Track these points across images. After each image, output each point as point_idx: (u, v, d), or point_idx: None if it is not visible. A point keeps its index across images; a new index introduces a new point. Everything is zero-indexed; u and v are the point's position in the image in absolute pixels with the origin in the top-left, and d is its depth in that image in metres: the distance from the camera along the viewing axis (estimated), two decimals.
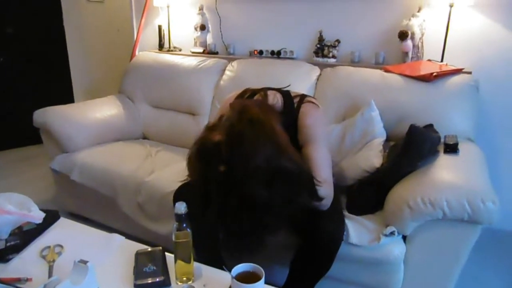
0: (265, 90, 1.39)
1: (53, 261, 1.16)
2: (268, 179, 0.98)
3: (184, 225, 1.03)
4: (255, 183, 0.98)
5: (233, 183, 0.99)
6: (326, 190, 1.23)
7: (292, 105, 1.37)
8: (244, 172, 0.97)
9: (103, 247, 1.23)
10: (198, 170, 1.07)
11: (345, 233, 1.35)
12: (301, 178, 1.08)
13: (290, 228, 1.40)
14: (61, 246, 1.23)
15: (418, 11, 2.06)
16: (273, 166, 0.99)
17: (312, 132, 1.32)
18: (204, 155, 1.03)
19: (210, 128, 1.09)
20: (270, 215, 1.03)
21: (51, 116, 2.15)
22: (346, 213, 1.51)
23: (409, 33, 2.01)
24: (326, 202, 1.24)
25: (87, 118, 2.25)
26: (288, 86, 1.46)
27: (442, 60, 2.02)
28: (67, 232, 1.32)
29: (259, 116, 1.06)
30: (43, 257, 1.18)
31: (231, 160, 0.98)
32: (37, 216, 1.27)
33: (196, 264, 1.13)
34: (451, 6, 1.93)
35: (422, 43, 2.07)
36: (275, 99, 1.35)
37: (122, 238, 1.29)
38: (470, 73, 1.89)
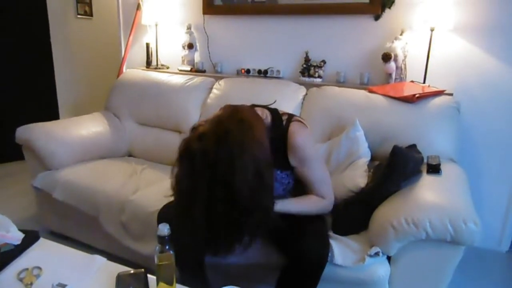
0: (252, 106, 1.40)
1: (31, 284, 1.12)
2: (251, 179, 0.99)
3: (167, 247, 1.01)
4: (240, 181, 0.98)
5: (218, 178, 0.99)
6: (319, 207, 1.34)
7: (281, 121, 1.38)
8: (229, 167, 0.97)
9: (83, 269, 1.20)
10: (185, 166, 1.06)
11: (330, 253, 1.34)
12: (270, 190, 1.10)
13: (275, 248, 1.40)
14: (39, 268, 1.19)
15: (401, 34, 2.12)
16: (258, 167, 0.99)
17: (305, 154, 1.34)
18: (190, 149, 1.03)
19: (195, 127, 1.10)
20: (251, 218, 1.03)
21: (34, 133, 2.11)
22: (331, 233, 1.51)
23: (392, 55, 2.06)
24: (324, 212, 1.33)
25: (72, 135, 2.22)
26: (274, 102, 1.47)
27: (424, 82, 2.08)
28: (46, 254, 1.29)
29: (249, 118, 1.07)
30: (21, 280, 1.14)
31: (218, 153, 0.98)
32: (16, 237, 1.24)
33: (179, 287, 1.11)
34: (432, 30, 1.99)
35: (405, 65, 2.13)
36: (263, 114, 1.36)
37: (104, 259, 1.26)
38: (451, 94, 1.94)
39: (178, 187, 1.08)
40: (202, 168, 1.00)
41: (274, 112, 1.41)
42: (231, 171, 0.98)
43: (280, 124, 1.37)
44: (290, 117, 1.40)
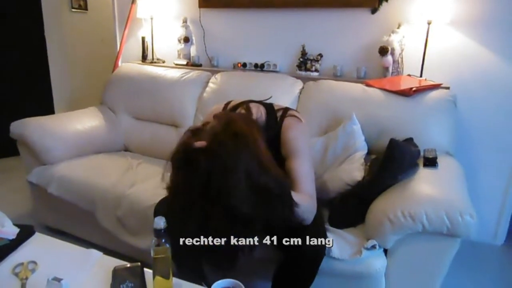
0: (247, 103, 1.39)
1: (26, 278, 1.11)
2: (248, 194, 0.97)
3: (163, 240, 1.00)
4: (235, 196, 0.97)
5: (212, 193, 0.97)
6: (309, 205, 1.22)
7: (275, 118, 1.37)
8: (223, 183, 0.96)
9: (79, 264, 1.19)
10: (179, 176, 1.05)
11: (326, 247, 1.34)
12: (282, 198, 1.07)
13: (272, 242, 1.39)
14: (35, 262, 1.19)
15: (398, 28, 2.11)
16: (254, 182, 0.98)
17: (295, 146, 1.32)
18: (185, 160, 1.01)
19: (192, 132, 1.07)
20: (249, 231, 1.02)
21: (29, 128, 2.09)
22: (328, 226, 1.51)
23: (389, 48, 2.06)
24: (309, 217, 1.24)
25: (67, 129, 2.21)
26: (269, 98, 1.46)
27: (421, 75, 2.07)
28: (42, 248, 1.28)
29: (244, 130, 1.05)
30: (16, 274, 1.13)
31: (211, 169, 0.97)
32: (11, 231, 1.23)
33: (175, 280, 1.10)
34: (429, 23, 1.99)
35: (402, 58, 2.12)
36: (258, 113, 1.35)
37: (100, 253, 1.25)
38: (448, 88, 1.94)
39: (173, 191, 1.07)
40: (198, 182, 0.98)
41: (269, 108, 1.40)
42: (225, 185, 0.96)
43: (275, 122, 1.36)
44: (285, 111, 1.39)
